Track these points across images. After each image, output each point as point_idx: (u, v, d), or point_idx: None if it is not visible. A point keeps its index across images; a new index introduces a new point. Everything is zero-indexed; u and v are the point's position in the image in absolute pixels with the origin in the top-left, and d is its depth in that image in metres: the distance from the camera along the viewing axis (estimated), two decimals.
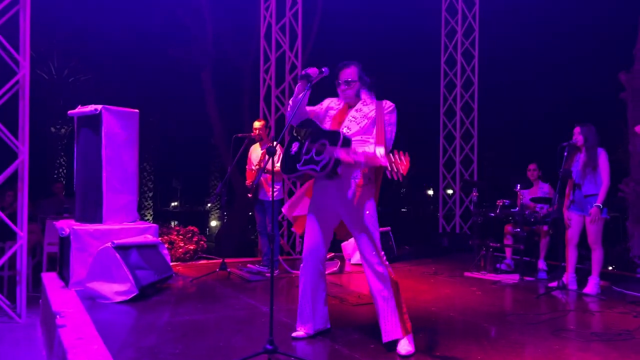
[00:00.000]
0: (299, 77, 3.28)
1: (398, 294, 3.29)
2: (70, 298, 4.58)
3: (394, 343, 3.24)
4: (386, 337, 3.26)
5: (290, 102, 3.38)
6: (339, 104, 3.48)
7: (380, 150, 2.97)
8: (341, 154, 3.09)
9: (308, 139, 3.37)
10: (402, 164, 2.78)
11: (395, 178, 2.81)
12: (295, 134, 3.46)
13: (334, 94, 3.52)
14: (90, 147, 5.38)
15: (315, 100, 3.55)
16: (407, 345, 3.21)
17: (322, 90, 3.58)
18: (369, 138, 3.30)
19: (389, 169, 2.80)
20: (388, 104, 3.35)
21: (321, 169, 3.18)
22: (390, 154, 2.84)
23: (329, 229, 3.46)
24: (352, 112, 3.37)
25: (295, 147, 3.42)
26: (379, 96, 3.45)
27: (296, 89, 3.34)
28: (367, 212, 3.28)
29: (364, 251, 3.29)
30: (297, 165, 3.33)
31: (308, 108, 3.46)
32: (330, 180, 3.27)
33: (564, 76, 13.29)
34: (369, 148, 3.19)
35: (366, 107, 3.37)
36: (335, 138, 3.19)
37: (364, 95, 3.41)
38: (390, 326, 3.25)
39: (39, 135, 14.45)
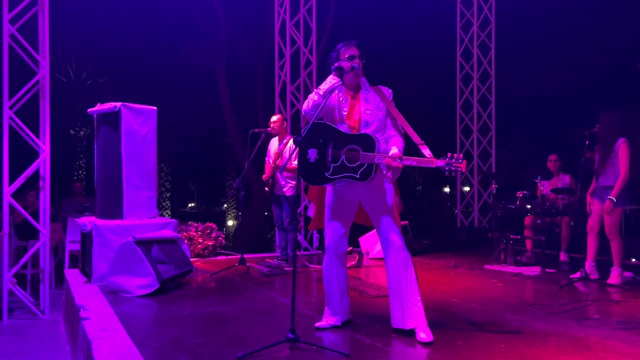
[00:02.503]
0: (333, 69, 3.25)
1: (417, 282, 3.31)
2: (93, 292, 4.65)
3: (412, 331, 3.24)
4: (410, 324, 3.26)
5: (321, 91, 3.23)
6: (344, 93, 3.40)
7: (427, 151, 3.06)
8: (386, 160, 3.09)
9: (329, 145, 3.28)
10: (460, 164, 2.92)
11: (454, 175, 2.98)
12: (306, 140, 3.31)
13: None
14: (110, 144, 5.44)
15: None
16: (427, 332, 3.21)
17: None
18: (386, 130, 3.33)
19: (446, 169, 2.94)
20: (388, 91, 3.38)
21: (361, 176, 3.17)
22: (448, 154, 2.97)
23: (349, 219, 3.47)
24: (363, 104, 3.34)
25: (313, 154, 3.31)
26: (376, 82, 3.44)
27: (328, 78, 3.26)
28: (389, 197, 3.30)
29: (388, 234, 3.28)
30: (326, 174, 3.27)
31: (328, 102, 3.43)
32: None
33: (583, 66, 13.07)
34: (397, 142, 3.24)
35: (371, 96, 3.36)
36: (368, 143, 3.17)
37: (364, 83, 3.39)
38: (411, 313, 3.25)
39: (59, 138, 14.64)
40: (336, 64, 3.24)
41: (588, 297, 4.54)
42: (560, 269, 5.88)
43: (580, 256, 5.35)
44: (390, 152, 3.20)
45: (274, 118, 6.01)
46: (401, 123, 3.29)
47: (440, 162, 2.94)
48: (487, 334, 3.42)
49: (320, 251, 7.53)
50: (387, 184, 3.31)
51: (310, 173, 3.34)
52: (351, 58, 3.31)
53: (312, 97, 3.27)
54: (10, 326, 5.17)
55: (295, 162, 5.73)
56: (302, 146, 3.33)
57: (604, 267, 5.26)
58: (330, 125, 3.34)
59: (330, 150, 3.28)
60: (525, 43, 13.65)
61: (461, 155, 2.94)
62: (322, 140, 3.31)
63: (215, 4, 11.50)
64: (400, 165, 3.08)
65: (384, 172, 3.24)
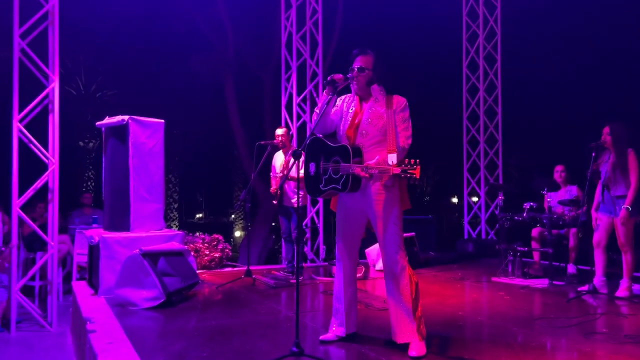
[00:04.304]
0: (325, 83, 3.32)
1: (417, 297, 3.29)
2: (99, 305, 4.67)
3: (404, 346, 3.23)
4: (400, 339, 3.27)
5: (317, 109, 3.40)
6: (352, 100, 3.47)
7: (392, 158, 3.08)
8: (357, 169, 3.16)
9: (321, 157, 3.40)
10: (414, 171, 2.92)
11: (411, 182, 2.99)
12: (303, 153, 3.42)
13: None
14: (118, 157, 5.49)
15: None
16: (418, 348, 3.18)
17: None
18: (385, 140, 3.29)
19: (402, 176, 2.96)
20: (399, 102, 3.34)
21: (342, 186, 3.25)
22: (405, 161, 2.96)
23: (357, 230, 3.47)
24: (367, 113, 3.36)
25: (312, 167, 3.46)
26: (392, 91, 3.44)
27: (323, 95, 3.37)
28: (393, 212, 3.27)
29: (385, 247, 3.29)
30: (320, 186, 3.39)
31: (332, 115, 3.48)
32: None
33: (590, 76, 13.03)
34: (381, 153, 3.23)
35: (379, 105, 3.35)
36: (345, 153, 3.24)
37: (375, 91, 3.40)
38: (404, 327, 3.25)
39: (68, 149, 14.76)
40: (328, 78, 3.30)
41: (596, 311, 4.50)
42: (568, 281, 5.83)
43: (589, 268, 5.31)
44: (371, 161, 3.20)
45: (281, 131, 6.02)
46: (397, 132, 3.26)
47: (397, 170, 2.99)
48: (495, 348, 3.40)
49: (327, 263, 7.52)
50: (388, 194, 3.28)
51: (311, 185, 3.50)
52: (360, 70, 3.34)
53: (314, 116, 3.43)
54: (18, 338, 5.19)
55: (302, 172, 5.76)
56: (306, 161, 3.49)
57: (611, 280, 5.21)
58: (321, 139, 3.44)
59: (322, 163, 3.40)
60: (531, 54, 13.64)
61: (417, 160, 2.94)
62: (317, 154, 3.45)
63: (223, 17, 11.60)
64: (366, 175, 3.14)
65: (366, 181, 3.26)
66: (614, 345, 3.47)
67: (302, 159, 5.94)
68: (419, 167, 2.92)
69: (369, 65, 3.36)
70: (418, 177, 2.92)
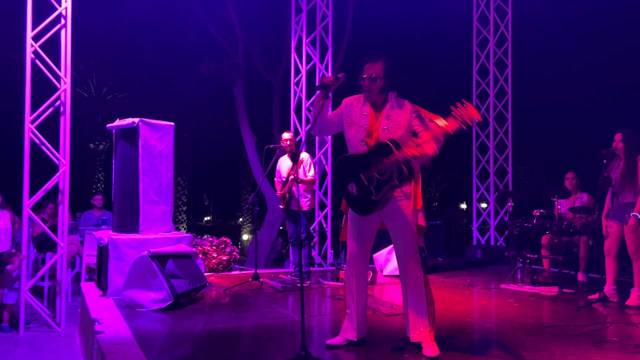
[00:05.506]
0: (316, 88, 3.32)
1: (431, 301, 3.34)
2: (108, 306, 4.69)
3: (416, 345, 3.31)
4: (414, 337, 3.33)
5: (311, 109, 3.42)
6: (363, 105, 3.35)
7: (441, 122, 3.00)
8: (408, 151, 3.05)
9: (358, 172, 3.25)
10: (468, 110, 2.88)
11: (471, 125, 2.91)
12: (341, 178, 3.34)
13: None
14: (128, 159, 5.53)
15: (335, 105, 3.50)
16: (432, 348, 3.25)
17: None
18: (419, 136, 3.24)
19: (463, 126, 2.90)
20: (408, 108, 3.29)
21: (399, 180, 3.15)
22: (456, 109, 2.90)
23: (369, 234, 3.44)
24: (384, 122, 3.27)
25: (353, 188, 3.27)
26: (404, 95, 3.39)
27: (315, 97, 3.38)
28: (409, 217, 3.27)
29: (403, 253, 3.28)
30: (372, 197, 3.21)
31: (330, 117, 3.42)
32: None
33: (602, 82, 12.94)
34: (424, 135, 3.16)
35: (395, 113, 3.28)
36: (385, 149, 3.14)
37: (392, 98, 3.31)
38: (416, 327, 3.32)
39: (78, 151, 14.91)
40: (318, 82, 3.31)
41: (606, 319, 4.45)
42: (578, 289, 5.77)
43: (599, 276, 5.25)
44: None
45: (288, 135, 5.92)
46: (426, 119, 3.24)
47: (454, 125, 2.92)
48: (503, 355, 3.37)
49: (334, 267, 7.50)
50: (406, 201, 3.28)
51: (361, 206, 3.29)
52: (372, 80, 3.25)
53: (310, 116, 3.38)
54: (27, 338, 5.21)
55: (310, 175, 5.76)
56: (341, 186, 3.33)
57: (622, 288, 5.16)
58: (349, 156, 3.33)
59: (362, 175, 3.22)
60: (542, 60, 13.58)
61: (463, 100, 2.86)
62: (351, 171, 3.27)
63: (234, 21, 11.66)
64: (422, 150, 3.02)
65: (416, 165, 3.20)
66: (624, 354, 3.43)
67: (302, 162, 5.89)
68: (469, 105, 2.85)
69: (380, 72, 3.25)
70: (478, 116, 2.86)
